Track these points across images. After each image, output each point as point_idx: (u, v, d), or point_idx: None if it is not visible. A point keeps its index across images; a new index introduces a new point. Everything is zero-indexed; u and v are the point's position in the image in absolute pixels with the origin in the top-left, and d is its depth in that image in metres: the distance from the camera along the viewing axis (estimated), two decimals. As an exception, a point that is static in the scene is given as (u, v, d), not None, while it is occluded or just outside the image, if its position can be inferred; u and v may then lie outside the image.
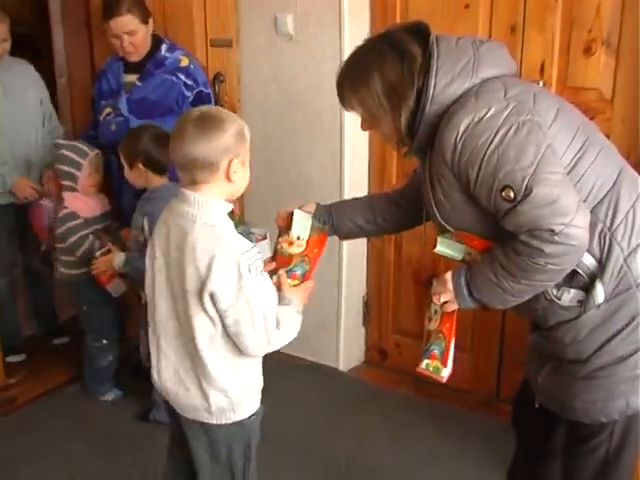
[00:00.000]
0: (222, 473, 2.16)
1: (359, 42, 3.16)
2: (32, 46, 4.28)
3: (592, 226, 1.71)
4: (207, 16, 3.48)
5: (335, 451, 3.07)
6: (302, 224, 2.14)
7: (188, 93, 3.24)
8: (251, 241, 2.95)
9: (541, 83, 2.92)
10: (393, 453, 3.05)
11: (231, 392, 1.98)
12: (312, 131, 3.46)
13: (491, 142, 1.69)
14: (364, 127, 2.01)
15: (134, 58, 3.20)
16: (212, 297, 1.85)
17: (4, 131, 3.38)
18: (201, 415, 2.03)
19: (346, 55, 3.12)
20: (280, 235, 2.21)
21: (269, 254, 2.94)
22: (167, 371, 2.02)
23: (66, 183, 3.19)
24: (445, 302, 1.93)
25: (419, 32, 1.87)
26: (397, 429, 3.22)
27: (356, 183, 3.49)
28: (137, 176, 2.92)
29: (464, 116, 1.72)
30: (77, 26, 3.75)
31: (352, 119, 3.29)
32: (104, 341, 3.39)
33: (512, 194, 1.67)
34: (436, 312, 1.98)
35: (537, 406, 2.01)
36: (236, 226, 3.02)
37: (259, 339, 1.93)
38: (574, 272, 1.76)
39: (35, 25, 4.52)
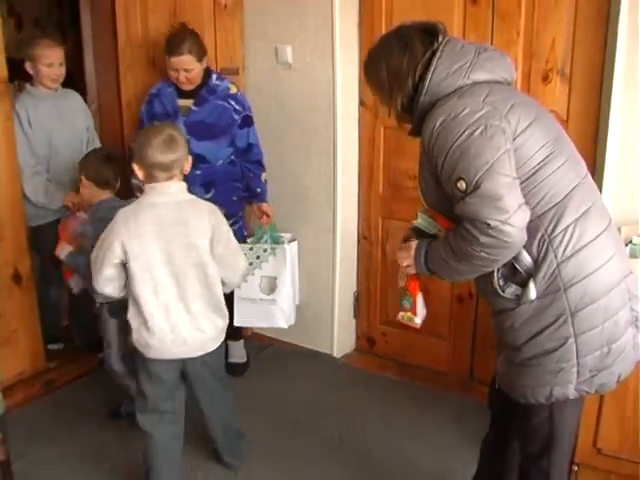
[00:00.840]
0: (223, 389, 2.67)
1: (349, 69, 3.27)
2: (69, 77, 4.32)
3: (535, 230, 1.74)
4: (217, 48, 3.48)
5: (330, 427, 3.07)
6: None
7: (236, 117, 3.24)
8: (282, 243, 3.13)
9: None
10: (380, 428, 3.06)
11: (227, 315, 2.53)
12: (309, 147, 3.47)
13: (459, 137, 1.73)
14: (380, 104, 2.04)
15: (187, 88, 3.20)
16: (217, 245, 2.40)
17: (59, 152, 3.37)
18: (208, 345, 2.48)
19: (338, 80, 3.24)
20: None
21: (290, 257, 3.16)
22: (182, 326, 2.40)
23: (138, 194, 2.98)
24: (407, 266, 1.99)
25: (430, 30, 1.92)
26: (383, 407, 3.22)
27: (348, 193, 3.52)
28: (84, 189, 2.92)
29: (444, 111, 1.78)
30: (106, 60, 3.76)
31: (344, 136, 3.40)
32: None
33: (464, 186, 1.71)
34: (403, 274, 2.04)
35: (497, 387, 2.03)
36: (273, 230, 3.11)
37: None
38: (515, 269, 1.79)
39: (71, 59, 4.58)
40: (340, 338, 3.72)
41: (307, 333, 3.65)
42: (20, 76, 3.35)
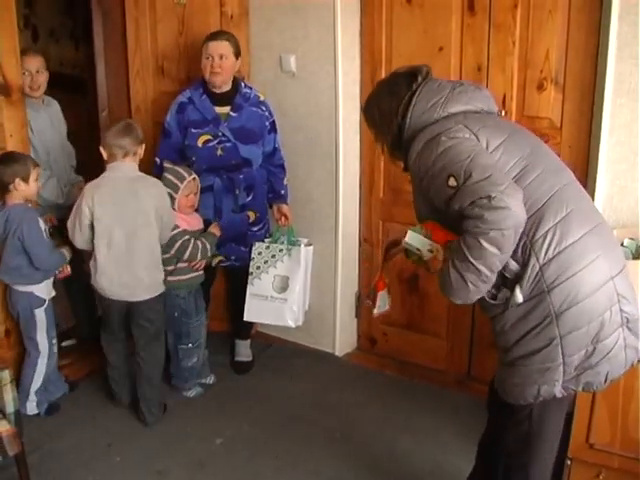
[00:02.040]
0: (154, 337, 3.07)
1: (350, 78, 3.30)
2: (81, 85, 4.36)
3: (520, 237, 1.77)
4: None
5: (331, 422, 3.09)
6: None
7: (266, 122, 3.27)
8: (298, 246, 3.17)
9: (503, 113, 2.96)
10: (379, 424, 3.07)
11: (162, 270, 3.02)
12: (311, 152, 3.49)
13: (439, 149, 1.84)
14: (375, 141, 2.20)
15: (217, 80, 3.14)
16: (162, 213, 2.92)
17: (57, 158, 3.38)
18: (146, 292, 2.97)
19: (340, 88, 3.29)
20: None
21: (304, 259, 3.20)
22: (126, 274, 2.92)
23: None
24: None
25: (417, 74, 2.04)
26: (383, 404, 3.24)
27: (349, 197, 3.54)
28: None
29: (423, 136, 1.92)
30: (116, 68, 3.78)
31: (346, 142, 3.42)
32: (189, 345, 3.22)
33: (454, 181, 1.79)
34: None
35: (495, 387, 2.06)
36: (290, 234, 3.08)
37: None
38: (504, 277, 1.83)
39: (84, 67, 4.61)
40: (342, 337, 3.73)
41: (310, 332, 3.67)
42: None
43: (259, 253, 3.27)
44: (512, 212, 1.70)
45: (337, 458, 2.85)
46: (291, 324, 3.30)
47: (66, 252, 3.06)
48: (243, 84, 3.27)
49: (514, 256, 1.80)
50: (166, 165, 3.09)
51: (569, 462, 2.50)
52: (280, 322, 3.31)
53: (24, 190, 2.90)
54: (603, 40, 2.67)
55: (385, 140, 2.11)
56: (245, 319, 3.31)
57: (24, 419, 2.54)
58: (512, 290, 1.82)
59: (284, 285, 3.24)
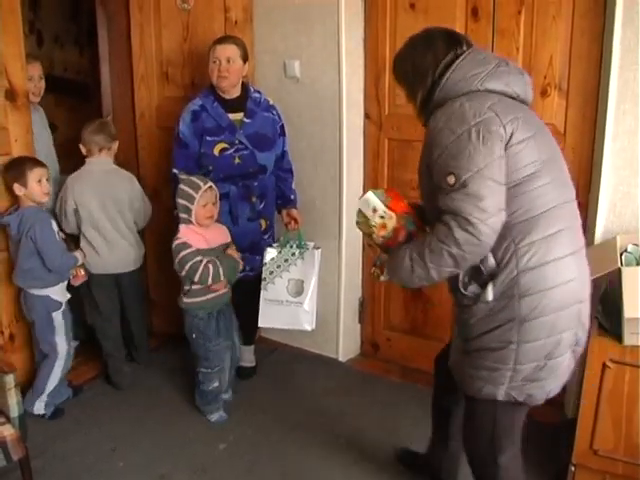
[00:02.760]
0: (139, 302, 3.57)
1: (354, 84, 3.30)
2: (86, 90, 4.36)
3: (503, 237, 1.81)
4: None
5: (335, 428, 3.09)
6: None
7: (277, 126, 3.26)
8: (306, 249, 3.16)
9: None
10: (384, 430, 3.06)
11: (142, 246, 3.46)
12: (315, 158, 3.50)
13: (459, 136, 1.80)
14: (407, 98, 2.11)
15: (224, 84, 3.09)
16: (135, 201, 3.33)
17: (47, 161, 3.30)
18: (131, 265, 3.42)
19: (344, 94, 3.30)
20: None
21: (317, 262, 3.14)
22: (115, 251, 3.32)
23: (183, 216, 2.92)
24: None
25: (455, 37, 2.02)
26: (387, 410, 3.23)
27: (353, 202, 3.46)
28: None
29: (451, 109, 1.86)
30: (121, 74, 3.80)
31: (350, 148, 3.43)
32: (209, 369, 3.09)
33: (453, 180, 1.78)
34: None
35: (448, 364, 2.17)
36: (300, 238, 3.13)
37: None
38: (479, 270, 1.86)
39: (88, 72, 4.63)
40: (345, 343, 3.74)
41: (313, 337, 3.66)
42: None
43: (271, 258, 3.22)
44: (481, 243, 1.76)
45: (342, 464, 2.85)
46: (307, 327, 3.27)
47: (78, 255, 3.13)
48: (252, 88, 3.25)
49: (495, 254, 1.83)
50: (181, 176, 3.03)
51: (573, 468, 2.50)
52: (296, 326, 3.27)
53: (26, 193, 2.93)
54: (607, 46, 2.68)
55: (416, 95, 2.03)
56: (260, 325, 3.27)
57: (29, 423, 2.54)
58: (484, 287, 1.87)
59: (299, 289, 3.21)
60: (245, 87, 3.22)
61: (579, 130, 2.88)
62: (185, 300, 3.03)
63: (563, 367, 1.93)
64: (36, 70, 3.33)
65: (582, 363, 2.59)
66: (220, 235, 3.06)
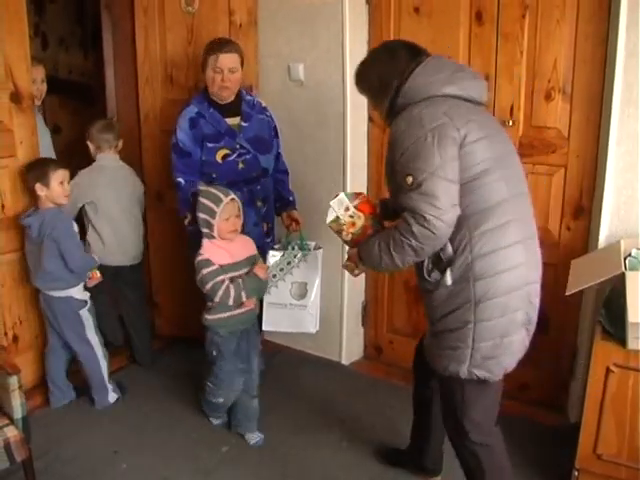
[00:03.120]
0: (140, 298, 3.70)
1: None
2: (90, 92, 4.37)
3: (459, 227, 2.00)
4: None
5: (338, 431, 3.09)
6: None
7: (271, 128, 3.25)
8: (308, 250, 3.15)
9: (511, 122, 3.00)
10: (386, 433, 3.07)
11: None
12: (319, 161, 3.50)
13: (416, 140, 1.99)
14: (372, 107, 2.34)
15: (225, 94, 3.06)
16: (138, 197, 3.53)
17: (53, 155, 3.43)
18: (136, 258, 3.57)
19: (348, 97, 3.30)
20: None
21: (320, 264, 3.13)
22: (125, 243, 3.47)
23: (205, 231, 2.76)
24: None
25: (414, 48, 2.22)
26: (390, 413, 3.23)
27: None
28: None
29: (411, 115, 2.05)
30: (126, 76, 3.81)
31: (353, 151, 3.44)
32: (216, 386, 2.97)
33: (411, 181, 1.97)
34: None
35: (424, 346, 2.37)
36: (302, 238, 3.13)
37: None
38: (440, 258, 2.05)
39: (93, 75, 4.64)
40: (348, 346, 3.74)
41: (316, 341, 3.67)
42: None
43: (274, 262, 3.17)
44: (436, 237, 1.97)
45: (344, 467, 2.86)
46: (311, 330, 3.23)
47: (96, 257, 3.18)
48: (244, 91, 3.23)
49: (452, 242, 2.02)
50: (201, 188, 2.85)
51: (576, 473, 2.51)
52: (300, 329, 3.24)
53: (47, 194, 2.97)
54: (611, 50, 2.69)
55: (382, 105, 2.21)
56: (264, 329, 3.23)
57: (31, 425, 2.55)
58: (444, 272, 2.05)
59: (302, 292, 3.17)
60: (238, 90, 3.19)
61: (583, 134, 2.88)
62: (207, 317, 2.88)
63: (517, 344, 2.12)
64: (39, 73, 3.35)
65: (586, 367, 2.60)
66: (245, 247, 2.90)
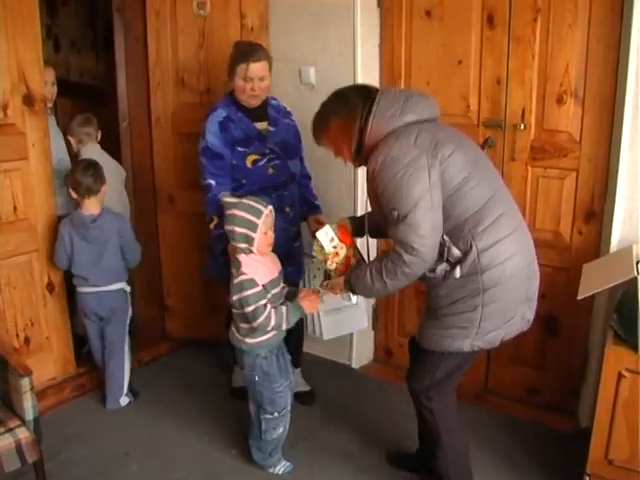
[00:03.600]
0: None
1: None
2: (101, 95, 4.38)
3: (459, 231, 2.20)
4: None
5: (348, 435, 3.10)
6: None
7: (297, 132, 3.20)
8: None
9: (522, 126, 3.00)
10: (396, 437, 3.06)
11: None
12: (330, 165, 3.35)
13: (395, 176, 2.16)
14: (335, 155, 2.48)
15: (254, 102, 3.00)
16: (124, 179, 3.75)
17: (61, 164, 3.44)
18: None
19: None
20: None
21: None
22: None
23: (241, 245, 2.55)
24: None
25: (363, 88, 2.42)
26: (400, 417, 3.19)
27: (367, 209, 3.53)
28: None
29: (384, 151, 2.20)
30: (137, 79, 3.82)
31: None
32: (275, 414, 2.76)
33: (396, 215, 2.17)
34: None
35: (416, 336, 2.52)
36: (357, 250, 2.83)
37: None
38: (446, 258, 2.22)
39: (104, 78, 4.65)
40: (358, 349, 3.74)
41: (326, 344, 3.61)
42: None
43: (318, 269, 3.05)
44: (424, 261, 2.18)
45: (354, 471, 2.86)
46: (365, 325, 3.26)
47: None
48: (269, 96, 3.15)
49: (456, 244, 2.21)
50: (231, 200, 2.65)
51: (587, 478, 2.49)
52: (357, 327, 3.23)
53: (103, 195, 3.22)
54: (623, 54, 2.68)
55: (347, 152, 2.39)
56: (325, 338, 3.15)
57: (42, 427, 2.56)
58: (453, 267, 2.22)
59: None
60: None
61: (595, 138, 2.87)
62: (248, 341, 2.67)
63: (518, 318, 2.33)
64: (49, 76, 3.37)
65: (597, 372, 2.59)
66: (274, 261, 2.71)
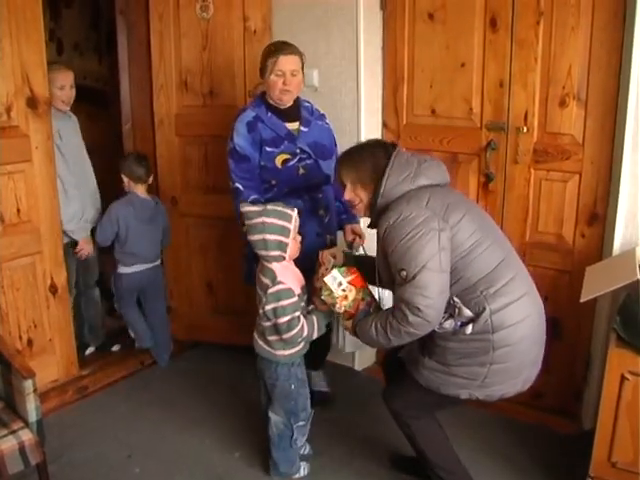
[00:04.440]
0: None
1: (373, 93, 3.29)
2: (104, 97, 4.40)
3: (472, 292, 2.23)
4: (246, 71, 3.52)
5: (350, 437, 3.09)
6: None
7: (332, 136, 3.13)
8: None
9: (525, 129, 3.01)
10: (398, 440, 2.92)
11: None
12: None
13: (405, 236, 2.21)
14: (349, 201, 2.51)
15: (286, 98, 2.92)
16: None
17: (85, 168, 3.47)
18: None
19: (362, 103, 3.34)
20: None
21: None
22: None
23: (274, 254, 2.48)
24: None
25: (389, 146, 2.48)
26: (403, 418, 3.25)
27: None
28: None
29: (396, 213, 2.26)
30: (140, 82, 3.83)
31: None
32: (305, 420, 2.75)
33: (404, 275, 2.20)
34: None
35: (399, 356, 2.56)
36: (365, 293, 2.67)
37: None
38: (455, 317, 2.25)
39: (107, 80, 4.67)
40: (361, 351, 3.67)
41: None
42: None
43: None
44: (430, 323, 2.20)
45: (356, 473, 2.86)
46: None
47: None
48: (301, 97, 3.09)
49: (468, 306, 2.24)
50: (254, 209, 2.53)
51: (590, 480, 2.49)
52: None
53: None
54: (625, 57, 2.68)
55: (363, 203, 2.45)
56: (347, 351, 3.14)
57: (45, 429, 2.57)
58: (464, 325, 2.24)
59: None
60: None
61: (598, 140, 2.87)
62: (286, 353, 2.60)
63: (522, 378, 2.35)
64: (69, 79, 3.35)
65: (600, 375, 2.59)
66: (296, 269, 2.64)
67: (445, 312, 2.25)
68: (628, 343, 2.35)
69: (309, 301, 2.61)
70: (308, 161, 2.97)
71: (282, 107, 2.97)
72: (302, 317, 2.50)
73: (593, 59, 2.81)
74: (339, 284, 2.43)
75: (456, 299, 2.25)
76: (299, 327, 2.48)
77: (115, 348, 3.84)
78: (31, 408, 2.48)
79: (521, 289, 2.29)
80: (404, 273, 2.19)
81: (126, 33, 3.94)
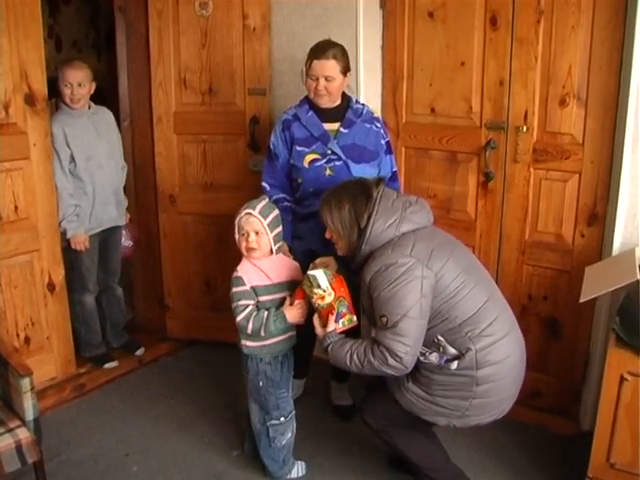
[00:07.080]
0: None
1: (372, 92, 3.26)
2: (102, 94, 4.37)
3: (458, 333, 2.28)
4: (245, 69, 3.52)
5: (350, 436, 3.09)
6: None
7: (382, 141, 3.01)
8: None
9: (525, 128, 3.00)
10: None
11: None
12: None
13: (389, 285, 2.24)
14: (327, 234, 2.53)
15: (323, 101, 2.89)
16: None
17: (102, 165, 3.41)
18: None
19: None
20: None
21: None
22: None
23: (279, 244, 2.66)
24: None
25: (372, 186, 2.44)
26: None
27: None
28: None
29: (381, 261, 2.28)
30: (139, 79, 3.82)
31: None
32: (282, 419, 2.71)
33: (385, 321, 2.24)
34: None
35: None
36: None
37: None
38: (441, 351, 2.31)
39: (106, 77, 4.66)
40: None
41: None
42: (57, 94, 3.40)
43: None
44: (406, 369, 2.27)
45: (355, 473, 2.86)
46: None
47: None
48: (354, 99, 3.05)
49: (453, 345, 2.29)
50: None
51: (588, 482, 2.49)
52: None
53: None
54: (626, 56, 2.67)
55: (346, 243, 2.46)
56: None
57: (42, 427, 2.56)
58: (449, 361, 2.29)
59: None
60: (347, 97, 3.01)
61: (598, 140, 2.86)
62: (247, 343, 2.65)
63: (498, 411, 2.41)
64: (77, 77, 3.30)
65: (599, 375, 2.59)
66: (281, 271, 2.68)
67: (429, 348, 2.32)
68: (627, 344, 2.35)
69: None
70: (337, 162, 2.91)
71: (326, 107, 2.94)
72: (249, 308, 2.55)
73: (593, 58, 2.80)
74: (320, 283, 2.41)
75: (440, 338, 2.30)
76: (243, 315, 2.54)
77: (139, 352, 3.80)
78: (28, 406, 2.47)
79: (504, 328, 2.34)
80: (384, 319, 2.24)
81: (125, 30, 3.92)
